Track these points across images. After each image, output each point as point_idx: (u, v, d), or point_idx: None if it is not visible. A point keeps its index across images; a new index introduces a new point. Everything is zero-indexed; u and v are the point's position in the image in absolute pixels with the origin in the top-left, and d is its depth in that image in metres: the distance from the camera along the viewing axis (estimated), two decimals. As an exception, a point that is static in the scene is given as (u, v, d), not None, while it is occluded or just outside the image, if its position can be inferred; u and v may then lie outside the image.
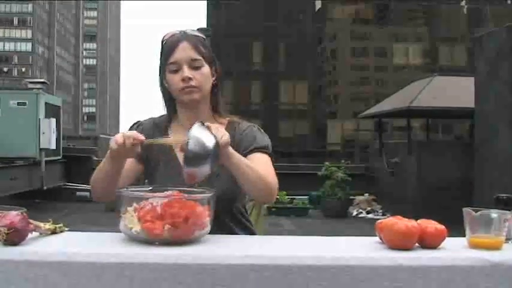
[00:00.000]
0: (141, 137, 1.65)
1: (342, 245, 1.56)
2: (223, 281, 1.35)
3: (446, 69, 32.98)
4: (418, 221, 1.53)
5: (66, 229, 1.67)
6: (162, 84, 1.97)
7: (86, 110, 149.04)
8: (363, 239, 1.61)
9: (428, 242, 1.49)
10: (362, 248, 1.49)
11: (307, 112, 42.36)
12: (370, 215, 9.87)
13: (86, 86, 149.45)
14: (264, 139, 1.97)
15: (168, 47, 1.90)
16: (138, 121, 2.04)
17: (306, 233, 9.00)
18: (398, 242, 1.47)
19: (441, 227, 1.51)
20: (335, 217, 9.58)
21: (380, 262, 1.39)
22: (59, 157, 11.10)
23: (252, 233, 1.99)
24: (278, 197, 9.89)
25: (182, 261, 1.36)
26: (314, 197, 10.23)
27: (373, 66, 44.70)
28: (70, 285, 1.34)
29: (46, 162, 9.58)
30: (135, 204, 1.51)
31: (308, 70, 42.13)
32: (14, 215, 1.40)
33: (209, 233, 1.56)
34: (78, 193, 10.73)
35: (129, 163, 1.86)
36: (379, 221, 1.57)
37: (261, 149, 1.90)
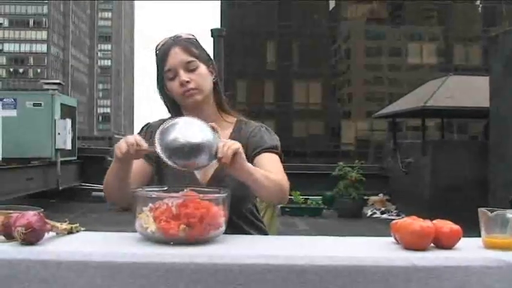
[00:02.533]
0: (144, 143, 1.65)
1: (356, 245, 1.56)
2: (238, 281, 1.36)
3: (461, 69, 32.76)
4: (434, 221, 1.53)
5: (83, 229, 1.69)
6: (162, 93, 1.98)
7: (100, 110, 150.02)
8: (377, 239, 1.61)
9: (444, 243, 1.49)
10: (377, 248, 1.50)
11: (321, 112, 42.27)
12: (384, 215, 9.83)
13: (100, 86, 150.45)
14: (273, 139, 1.95)
15: (161, 55, 1.91)
16: (148, 123, 2.05)
17: (320, 233, 8.99)
18: (414, 242, 1.47)
19: (456, 227, 1.51)
20: (349, 217, 9.56)
21: (395, 262, 1.39)
22: (74, 157, 11.18)
23: (265, 234, 2.00)
24: (292, 197, 9.91)
25: (198, 261, 1.37)
26: (328, 197, 10.21)
27: (387, 65, 44.50)
28: (86, 284, 1.35)
29: (61, 162, 9.65)
30: (150, 205, 1.52)
31: (322, 70, 42.05)
32: (31, 215, 1.42)
33: (223, 234, 1.57)
34: (93, 193, 10.79)
35: (140, 164, 1.87)
36: (395, 221, 1.58)
37: (270, 149, 1.89)
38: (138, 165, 1.88)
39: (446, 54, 43.34)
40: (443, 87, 9.77)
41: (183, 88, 1.87)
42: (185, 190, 1.59)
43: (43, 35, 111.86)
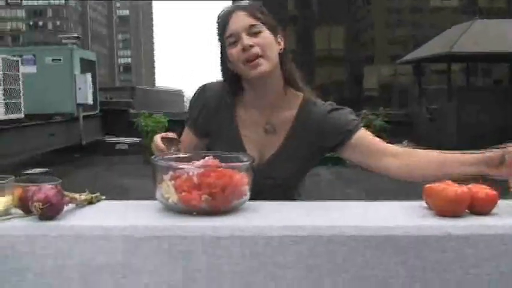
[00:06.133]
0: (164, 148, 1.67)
1: (385, 211, 1.49)
2: (263, 253, 1.31)
3: (485, 11, 31.81)
4: (469, 185, 1.45)
5: (103, 197, 1.64)
6: (223, 65, 1.79)
7: (121, 61, 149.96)
8: (408, 204, 1.53)
9: (479, 208, 1.42)
10: (408, 215, 1.42)
11: (344, 58, 41.65)
12: (408, 163, 9.68)
13: (120, 37, 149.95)
14: (349, 115, 1.77)
15: (222, 21, 1.73)
16: (204, 86, 1.87)
17: (344, 183, 8.99)
18: (448, 210, 1.39)
19: (492, 192, 1.43)
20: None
21: (427, 231, 1.32)
22: (96, 111, 11.19)
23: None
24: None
25: (221, 234, 1.32)
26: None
27: (409, 8, 43.41)
28: (107, 259, 1.31)
29: (84, 117, 9.66)
30: (171, 173, 1.47)
31: (344, 15, 41.20)
32: (48, 189, 1.37)
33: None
34: (117, 146, 10.84)
35: (189, 138, 1.83)
36: (427, 185, 1.50)
37: (357, 127, 1.74)
38: (187, 138, 1.84)
39: (471, -4, 42.05)
40: (469, 32, 9.49)
41: (246, 54, 1.67)
42: (206, 158, 1.53)
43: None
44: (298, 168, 1.80)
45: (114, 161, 10.00)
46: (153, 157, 1.55)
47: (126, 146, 10.34)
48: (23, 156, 7.56)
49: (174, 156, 1.62)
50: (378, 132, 9.58)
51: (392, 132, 9.72)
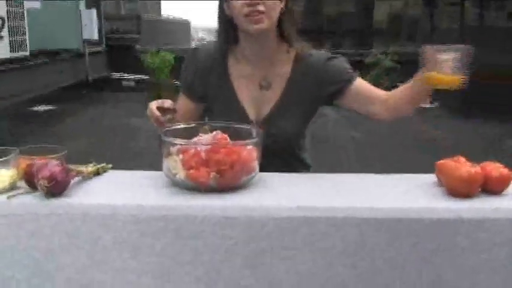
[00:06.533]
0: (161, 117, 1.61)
1: (398, 187, 1.45)
2: (273, 235, 1.29)
3: None
4: (482, 164, 1.42)
5: (110, 166, 1.62)
6: (221, 10, 1.74)
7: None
8: (420, 179, 1.50)
9: (492, 187, 1.39)
10: (420, 195, 1.39)
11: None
12: (417, 103, 9.57)
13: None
14: (345, 63, 1.79)
15: None
16: (195, 49, 1.86)
17: (352, 124, 8.95)
18: (460, 190, 1.36)
19: (506, 171, 1.40)
20: (381, 105, 9.34)
21: (440, 215, 1.29)
22: (103, 46, 11.05)
23: (307, 164, 1.92)
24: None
25: (229, 214, 1.30)
26: (360, 84, 9.95)
27: None
28: (114, 238, 1.30)
29: (90, 53, 9.54)
30: (178, 146, 1.43)
31: None
32: (53, 165, 1.34)
33: (264, 171, 1.49)
34: (124, 82, 10.78)
35: (185, 103, 1.79)
36: (440, 161, 1.47)
37: (354, 76, 1.76)
38: (183, 104, 1.80)
39: None
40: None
41: (250, 8, 1.62)
42: (214, 132, 1.49)
43: None
44: (297, 122, 1.78)
45: (121, 98, 9.95)
46: (160, 129, 1.51)
47: (132, 83, 10.27)
48: (31, 94, 7.52)
49: (182, 127, 1.59)
50: (388, 72, 9.46)
51: (402, 71, 9.57)
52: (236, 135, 1.51)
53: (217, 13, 1.77)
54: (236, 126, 1.57)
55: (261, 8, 1.63)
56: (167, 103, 1.64)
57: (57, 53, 8.42)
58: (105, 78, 10.51)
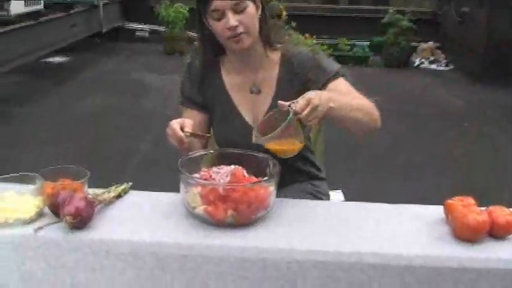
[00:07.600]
0: (185, 138, 1.61)
1: (406, 226, 1.52)
2: (286, 277, 1.37)
3: None
4: (489, 209, 1.47)
5: (129, 185, 1.69)
6: (201, 29, 1.83)
7: None
8: (428, 214, 1.56)
9: (498, 233, 1.45)
10: (426, 236, 1.46)
11: None
12: (433, 66, 9.50)
13: None
14: (331, 63, 1.85)
15: None
16: (189, 63, 1.94)
17: (365, 84, 8.87)
18: (466, 236, 1.43)
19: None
20: (396, 67, 9.30)
21: (445, 263, 1.36)
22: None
23: (316, 167, 2.01)
24: (338, 43, 9.65)
25: (246, 256, 1.37)
26: (376, 42, 9.88)
27: None
28: (136, 275, 1.38)
29: (103, 4, 9.45)
30: (196, 175, 1.52)
31: None
32: (78, 200, 1.41)
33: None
34: (137, 33, 10.69)
35: (192, 117, 1.82)
36: (449, 201, 1.52)
37: (336, 76, 1.80)
38: (192, 116, 1.84)
39: None
40: None
41: (231, 32, 1.72)
42: (233, 167, 1.55)
43: None
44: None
45: (135, 49, 9.91)
46: (180, 160, 1.56)
47: (146, 34, 10.21)
48: (47, 49, 7.54)
49: (198, 154, 1.65)
50: (405, 32, 9.33)
51: (419, 32, 9.46)
52: (252, 166, 1.58)
53: (197, 30, 1.85)
54: (251, 154, 1.63)
55: (240, 29, 1.72)
56: (188, 123, 1.66)
57: (71, 5, 8.38)
58: (119, 28, 10.44)
